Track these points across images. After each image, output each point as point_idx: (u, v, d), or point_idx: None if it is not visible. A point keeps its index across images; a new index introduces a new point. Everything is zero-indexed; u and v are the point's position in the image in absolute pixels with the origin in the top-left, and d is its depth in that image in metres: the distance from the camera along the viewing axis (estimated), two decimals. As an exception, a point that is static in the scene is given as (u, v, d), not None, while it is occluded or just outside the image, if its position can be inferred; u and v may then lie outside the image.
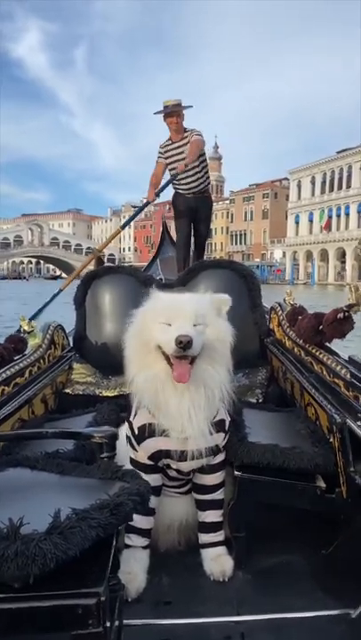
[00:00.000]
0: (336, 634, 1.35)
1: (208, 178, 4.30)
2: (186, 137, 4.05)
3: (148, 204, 4.36)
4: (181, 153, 4.04)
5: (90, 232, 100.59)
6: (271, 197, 62.27)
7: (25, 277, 62.56)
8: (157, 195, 4.13)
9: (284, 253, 56.13)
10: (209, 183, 4.35)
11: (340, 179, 49.07)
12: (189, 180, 4.14)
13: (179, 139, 4.07)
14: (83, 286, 2.84)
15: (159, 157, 4.17)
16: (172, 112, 3.96)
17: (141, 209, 5.01)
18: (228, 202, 69.38)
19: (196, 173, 4.15)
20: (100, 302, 2.78)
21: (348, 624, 1.36)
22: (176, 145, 4.08)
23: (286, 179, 60.09)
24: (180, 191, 4.23)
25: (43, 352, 2.47)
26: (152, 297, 1.55)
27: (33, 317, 2.92)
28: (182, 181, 4.16)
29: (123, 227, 4.69)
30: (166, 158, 4.13)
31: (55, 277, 64.13)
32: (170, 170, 4.13)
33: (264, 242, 62.06)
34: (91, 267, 4.27)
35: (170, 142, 4.13)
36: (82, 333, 2.80)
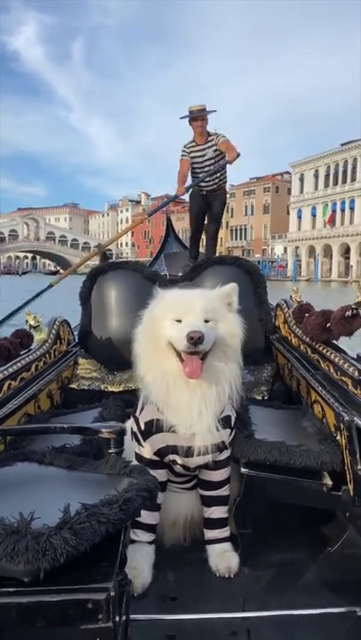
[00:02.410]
0: (342, 631, 1.35)
1: (225, 177, 4.50)
2: (211, 140, 4.29)
3: (176, 197, 4.50)
4: (205, 155, 4.30)
5: (87, 227, 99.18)
6: (272, 191, 61.41)
7: (17, 272, 58.33)
8: (187, 190, 4.32)
9: (285, 249, 55.63)
10: (225, 182, 4.57)
11: (345, 172, 48.06)
12: (209, 179, 4.36)
13: (203, 141, 4.29)
14: (88, 282, 2.83)
15: (184, 155, 4.37)
16: (198, 116, 4.21)
17: (167, 202, 5.11)
18: (228, 196, 68.47)
19: (217, 173, 4.35)
20: (106, 298, 2.77)
21: (353, 621, 1.36)
22: (200, 147, 4.30)
23: (288, 172, 59.22)
24: (197, 187, 4.45)
25: (48, 347, 2.48)
26: (160, 294, 1.54)
27: (13, 313, 2.84)
28: (203, 180, 4.37)
29: (150, 215, 5.51)
30: (190, 158, 4.34)
31: (55, 273, 62.99)
32: (192, 170, 4.36)
33: (265, 237, 61.32)
34: (92, 262, 4.27)
35: (194, 144, 4.34)
36: (87, 329, 2.79)
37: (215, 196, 4.47)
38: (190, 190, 4.47)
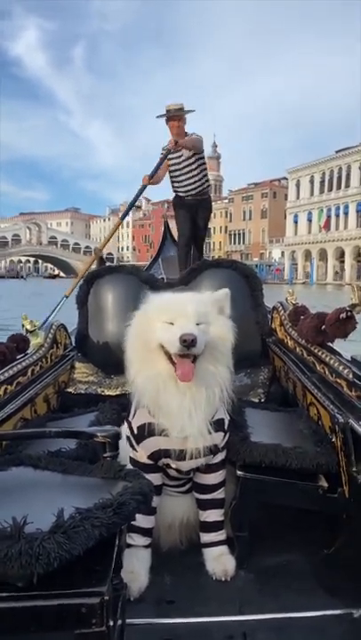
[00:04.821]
0: (338, 633, 1.35)
1: (207, 180, 4.30)
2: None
3: (144, 187, 4.08)
4: (181, 155, 4.05)
5: (88, 231, 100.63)
6: (270, 197, 62.37)
7: (23, 276, 60.91)
8: (150, 177, 3.98)
9: (282, 253, 56.22)
10: (208, 185, 4.35)
11: (339, 178, 49.23)
12: (188, 182, 4.16)
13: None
14: (85, 286, 2.84)
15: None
16: (174, 116, 3.93)
17: (138, 195, 4.58)
18: (226, 201, 69.47)
19: (194, 176, 4.14)
20: (102, 301, 2.77)
21: (350, 624, 1.36)
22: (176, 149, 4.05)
23: (285, 178, 60.12)
24: (180, 194, 4.26)
25: (45, 351, 2.47)
26: (151, 297, 1.54)
27: (43, 324, 2.83)
28: (182, 184, 4.17)
29: (122, 218, 5.06)
30: (168, 161, 4.10)
31: (54, 276, 63.90)
32: (170, 172, 4.14)
33: (263, 241, 62.19)
34: (93, 266, 4.24)
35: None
36: (84, 332, 2.79)
37: (200, 201, 4.21)
38: (174, 197, 4.27)
